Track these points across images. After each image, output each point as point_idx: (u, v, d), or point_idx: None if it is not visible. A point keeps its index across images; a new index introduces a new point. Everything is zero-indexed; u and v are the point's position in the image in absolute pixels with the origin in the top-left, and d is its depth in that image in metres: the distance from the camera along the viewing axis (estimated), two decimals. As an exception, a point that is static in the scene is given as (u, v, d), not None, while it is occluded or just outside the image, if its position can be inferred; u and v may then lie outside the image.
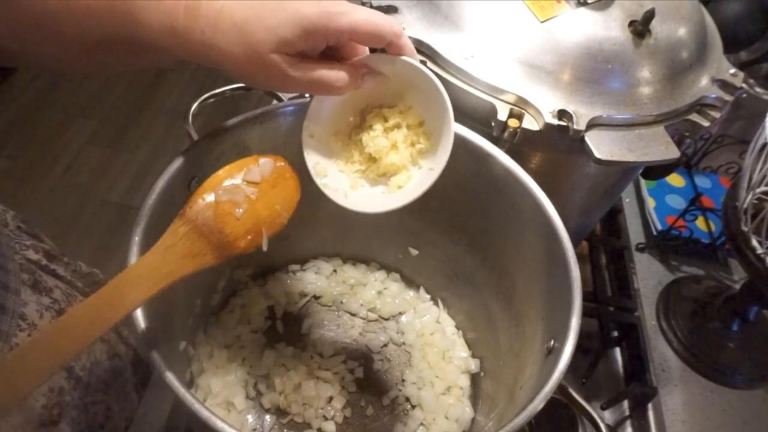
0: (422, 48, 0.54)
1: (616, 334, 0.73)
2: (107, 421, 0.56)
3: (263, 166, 0.44)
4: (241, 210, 0.42)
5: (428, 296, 0.69)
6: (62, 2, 0.39)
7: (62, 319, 0.35)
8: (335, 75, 0.40)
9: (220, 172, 0.43)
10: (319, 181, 0.46)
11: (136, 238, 0.41)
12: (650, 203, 0.87)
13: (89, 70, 0.52)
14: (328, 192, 0.46)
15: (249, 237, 0.42)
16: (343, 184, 0.47)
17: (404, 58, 0.42)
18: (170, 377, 0.37)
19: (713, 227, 0.85)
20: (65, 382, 0.51)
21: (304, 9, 0.37)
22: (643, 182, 0.90)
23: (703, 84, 0.57)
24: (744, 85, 0.58)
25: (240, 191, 0.42)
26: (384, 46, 0.41)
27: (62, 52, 0.43)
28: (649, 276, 0.80)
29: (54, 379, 0.50)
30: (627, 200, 0.90)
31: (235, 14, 0.37)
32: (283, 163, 0.45)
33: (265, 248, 0.43)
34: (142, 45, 0.39)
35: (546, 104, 0.51)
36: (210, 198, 0.41)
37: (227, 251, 0.41)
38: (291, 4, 0.37)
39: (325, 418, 0.58)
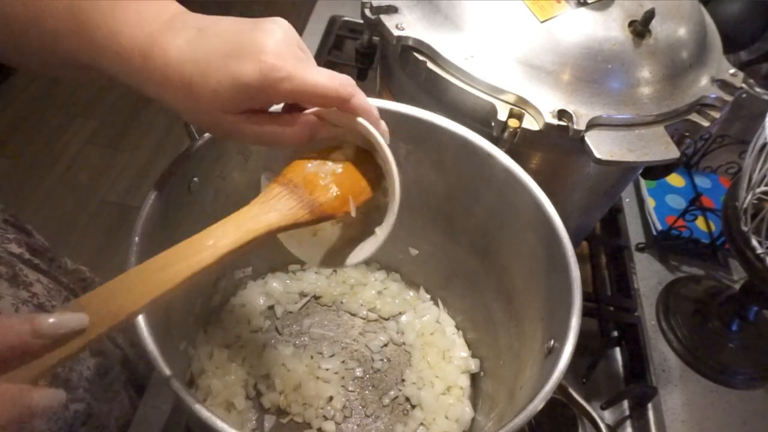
0: (422, 48, 0.54)
1: (616, 334, 0.73)
2: (90, 420, 0.55)
3: (349, 151, 0.44)
4: (327, 179, 0.42)
5: (428, 296, 0.69)
6: (31, 20, 0.39)
7: (154, 259, 0.34)
8: (287, 131, 0.39)
9: (305, 157, 0.43)
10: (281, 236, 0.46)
11: (136, 238, 0.41)
12: (650, 203, 0.87)
13: (64, 79, 0.52)
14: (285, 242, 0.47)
15: (337, 202, 0.42)
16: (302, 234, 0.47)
17: (358, 119, 0.40)
18: (170, 377, 0.37)
19: (713, 227, 0.85)
20: (41, 378, 0.50)
21: (244, 74, 0.35)
22: (643, 182, 0.90)
23: (703, 84, 0.57)
24: (744, 85, 0.58)
25: (326, 166, 0.42)
26: (337, 108, 0.40)
27: (33, 63, 0.43)
28: (649, 276, 0.80)
29: None
30: (627, 200, 0.90)
31: (182, 71, 0.37)
32: (361, 150, 0.45)
33: (353, 214, 0.43)
34: (108, 77, 0.40)
35: (546, 104, 0.51)
36: (300, 168, 0.42)
37: (318, 212, 0.41)
38: (233, 65, 0.36)
39: (325, 418, 0.58)
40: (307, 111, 0.41)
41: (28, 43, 0.40)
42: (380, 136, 0.40)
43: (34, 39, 0.40)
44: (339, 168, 0.42)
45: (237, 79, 0.36)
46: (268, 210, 0.39)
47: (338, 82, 0.38)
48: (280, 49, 0.36)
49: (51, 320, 0.28)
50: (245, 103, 0.37)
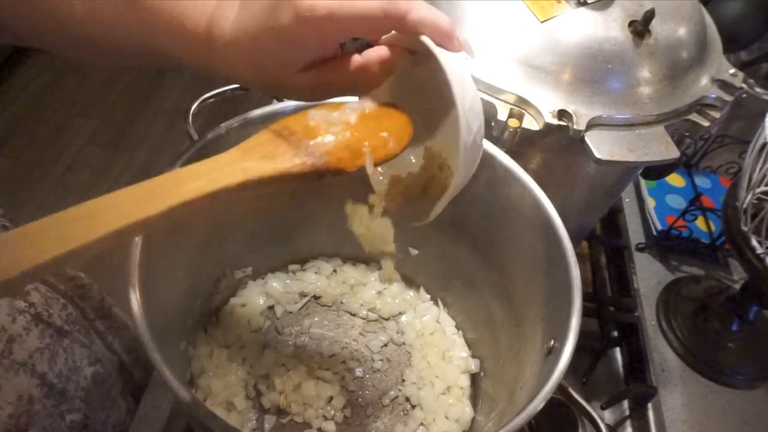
0: (422, 48, 0.54)
1: (616, 334, 0.73)
2: (86, 429, 0.55)
3: (363, 102, 0.37)
4: (337, 128, 0.35)
5: (428, 296, 0.69)
6: (89, 11, 0.38)
7: (107, 196, 0.30)
8: (358, 72, 0.36)
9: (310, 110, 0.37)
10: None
11: (136, 239, 0.41)
12: (650, 203, 0.87)
13: (111, 63, 0.51)
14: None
15: (346, 153, 0.34)
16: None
17: (421, 38, 0.34)
18: (170, 377, 0.37)
19: (713, 227, 0.85)
20: (36, 390, 0.49)
21: (284, 23, 0.33)
22: (643, 182, 0.90)
23: (703, 84, 0.57)
24: (744, 85, 0.58)
25: (334, 117, 0.36)
26: (396, 30, 0.36)
27: (85, 52, 0.43)
28: (649, 276, 0.80)
29: (23, 387, 0.48)
30: (627, 200, 0.90)
31: (238, 44, 0.36)
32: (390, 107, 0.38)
33: (369, 170, 0.35)
34: (171, 61, 0.40)
35: (546, 104, 0.51)
36: (302, 117, 0.36)
37: (319, 163, 0.33)
38: (273, 20, 0.34)
39: (325, 418, 0.58)
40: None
41: (83, 36, 0.40)
42: (443, 52, 0.33)
43: (91, 32, 0.39)
44: (353, 117, 0.36)
45: (281, 31, 0.34)
46: (248, 158, 0.32)
47: (385, 1, 0.33)
48: None
49: None
50: (300, 53, 0.35)
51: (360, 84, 0.37)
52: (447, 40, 0.35)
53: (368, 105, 0.37)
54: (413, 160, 0.43)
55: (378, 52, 0.37)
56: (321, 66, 0.37)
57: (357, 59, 0.37)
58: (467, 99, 0.33)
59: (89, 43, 0.41)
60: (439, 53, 0.33)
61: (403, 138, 0.37)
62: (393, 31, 0.36)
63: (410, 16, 0.34)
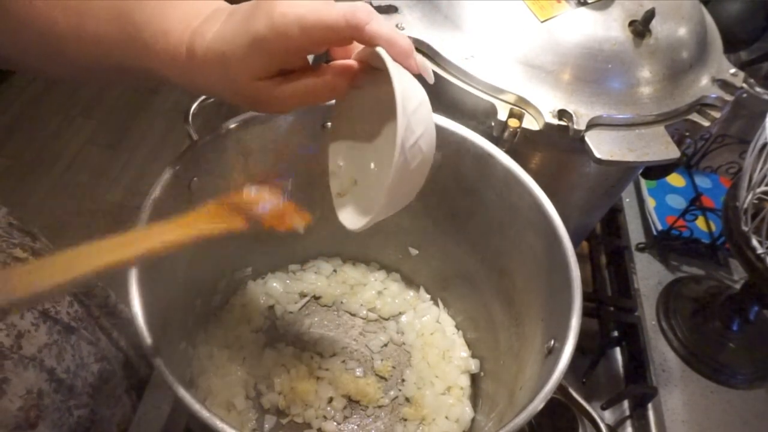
0: (422, 48, 0.54)
1: (616, 334, 0.73)
2: (93, 426, 0.55)
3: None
4: (272, 202, 0.43)
5: (428, 296, 0.69)
6: (72, 27, 0.39)
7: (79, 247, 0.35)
8: (319, 81, 0.38)
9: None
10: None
11: (136, 238, 0.41)
12: (650, 203, 0.87)
13: (88, 83, 0.53)
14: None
15: (281, 218, 0.43)
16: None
17: (376, 49, 0.36)
18: (170, 377, 0.37)
19: (713, 227, 0.85)
20: (45, 385, 0.50)
21: (259, 29, 0.35)
22: (643, 182, 0.90)
23: (704, 84, 0.57)
24: (744, 85, 0.58)
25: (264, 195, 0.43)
26: (355, 41, 0.38)
27: (64, 70, 0.43)
28: (649, 276, 0.80)
29: (32, 381, 0.49)
30: (627, 200, 0.90)
31: (215, 51, 0.37)
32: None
33: (301, 230, 0.44)
34: (150, 77, 0.40)
35: (546, 104, 0.51)
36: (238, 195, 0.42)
37: (257, 222, 0.42)
38: (250, 25, 0.35)
39: (325, 418, 0.58)
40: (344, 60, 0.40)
41: (65, 52, 0.40)
42: (398, 74, 0.35)
43: (73, 47, 0.40)
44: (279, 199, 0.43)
45: (253, 36, 0.35)
46: (201, 220, 0.40)
47: (347, 10, 0.35)
48: None
49: None
50: (270, 62, 0.37)
51: (326, 92, 0.39)
52: (403, 57, 0.37)
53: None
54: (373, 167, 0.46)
55: (343, 63, 0.39)
56: (289, 74, 0.38)
57: (323, 67, 0.39)
58: (410, 102, 0.35)
59: (70, 62, 0.41)
60: (389, 61, 0.35)
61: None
62: (358, 47, 0.39)
63: (368, 27, 0.35)
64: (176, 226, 0.39)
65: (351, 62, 0.39)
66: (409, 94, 0.35)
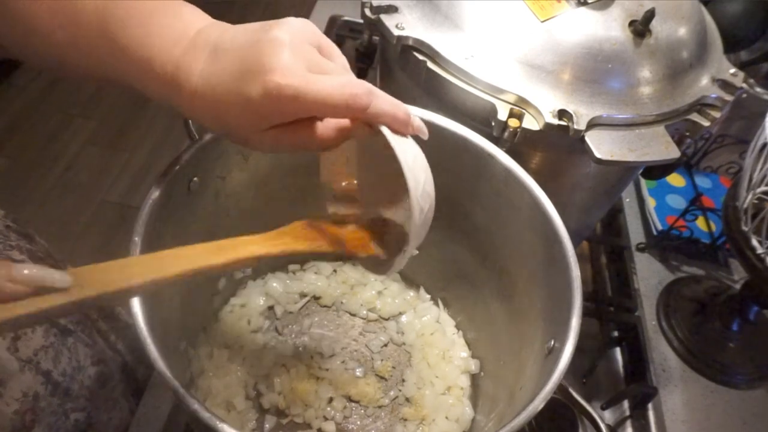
0: (422, 48, 0.54)
1: (616, 334, 0.73)
2: (90, 429, 0.55)
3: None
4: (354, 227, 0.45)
5: (428, 296, 0.69)
6: (69, 38, 0.39)
7: (166, 251, 0.35)
8: (316, 135, 0.38)
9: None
10: None
11: (136, 238, 0.41)
12: (650, 203, 0.87)
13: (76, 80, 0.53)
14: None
15: (364, 244, 0.44)
16: None
17: (381, 128, 0.37)
18: (170, 377, 0.37)
19: (713, 227, 0.85)
20: (41, 388, 0.49)
21: (253, 96, 0.35)
22: (643, 182, 0.90)
23: (704, 84, 0.57)
24: (744, 85, 0.58)
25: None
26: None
27: (72, 73, 0.43)
28: (649, 276, 0.80)
29: (28, 384, 0.49)
30: (627, 200, 0.90)
31: (204, 97, 0.37)
32: None
33: (382, 257, 0.44)
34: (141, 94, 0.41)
35: (546, 104, 0.51)
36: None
37: (341, 245, 0.43)
38: (242, 87, 0.35)
39: (325, 418, 0.58)
40: None
41: (69, 62, 0.41)
42: (399, 145, 0.37)
43: (74, 60, 0.40)
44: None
45: (247, 101, 0.35)
46: (285, 236, 0.41)
47: (348, 94, 0.35)
48: (287, 63, 0.34)
49: (26, 271, 0.28)
50: (264, 122, 0.37)
51: (317, 144, 0.39)
52: (403, 127, 0.38)
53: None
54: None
55: (338, 121, 0.39)
56: (282, 127, 0.38)
57: (317, 124, 0.38)
58: (419, 186, 0.37)
59: (75, 70, 0.42)
60: (396, 146, 0.37)
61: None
62: None
63: (370, 110, 0.36)
64: (265, 240, 0.40)
65: (345, 121, 0.39)
66: (417, 177, 0.37)
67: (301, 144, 0.38)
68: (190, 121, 0.52)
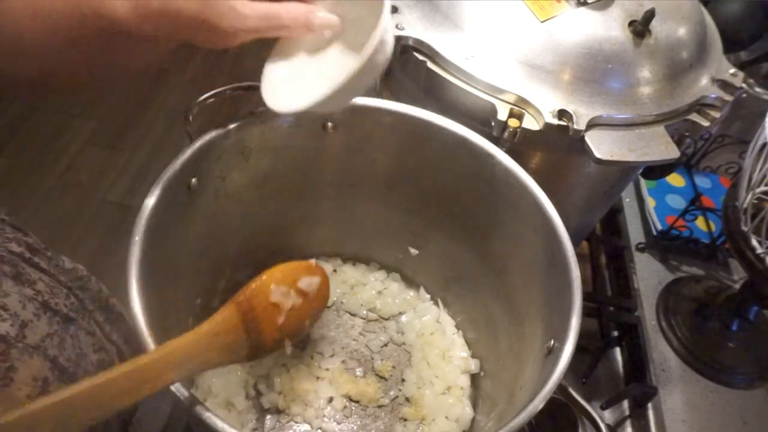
0: (422, 48, 0.54)
1: (616, 334, 0.73)
2: None
3: (314, 282, 0.45)
4: (282, 318, 0.43)
5: (428, 296, 0.69)
6: (29, 8, 0.39)
7: (92, 381, 0.34)
8: (284, 10, 0.39)
9: (278, 271, 0.44)
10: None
11: (136, 238, 0.41)
12: (650, 203, 0.87)
13: (46, 83, 0.53)
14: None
15: (276, 342, 0.44)
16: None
17: None
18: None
19: (713, 227, 0.85)
20: (49, 373, 0.50)
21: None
22: (643, 182, 0.90)
23: (703, 84, 0.57)
24: (744, 85, 0.58)
25: (289, 298, 0.44)
26: None
27: (22, 65, 0.44)
28: (649, 276, 0.80)
29: (38, 369, 0.49)
30: (627, 200, 0.90)
31: None
32: (321, 278, 0.47)
33: (288, 352, 0.46)
34: (112, 30, 0.40)
35: (546, 104, 0.51)
36: (266, 294, 0.42)
37: (256, 353, 0.43)
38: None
39: (325, 418, 0.58)
40: None
41: (22, 36, 0.41)
42: None
43: (28, 27, 0.40)
44: (297, 303, 0.44)
45: None
46: (213, 348, 0.39)
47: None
48: None
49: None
50: None
51: (277, 20, 0.40)
52: None
53: (314, 286, 0.45)
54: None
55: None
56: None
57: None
58: (388, 25, 0.39)
59: (27, 47, 0.42)
60: None
61: (319, 316, 0.49)
62: None
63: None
64: (189, 355, 0.38)
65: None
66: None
67: (265, 17, 0.40)
68: (190, 121, 0.52)
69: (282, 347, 0.44)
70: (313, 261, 0.46)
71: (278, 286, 0.43)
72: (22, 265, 0.55)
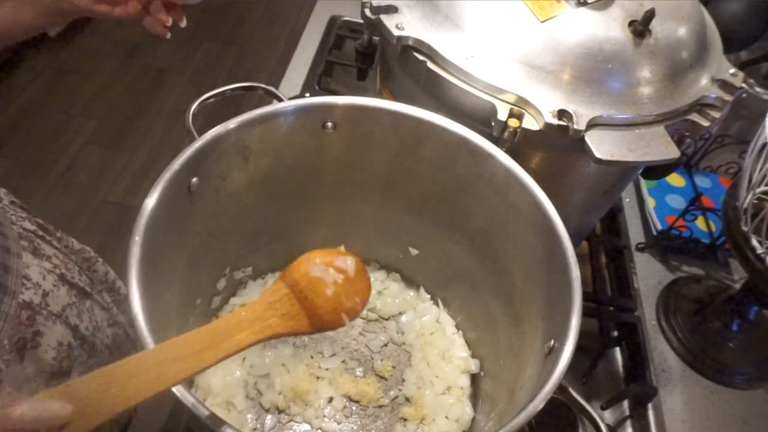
0: (422, 48, 0.54)
1: (616, 334, 0.73)
2: None
3: (350, 262, 0.47)
4: (330, 290, 0.45)
5: (428, 296, 0.69)
6: None
7: (165, 345, 0.36)
8: None
9: (312, 254, 0.46)
10: None
11: (137, 238, 0.41)
12: (650, 203, 0.87)
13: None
14: None
15: (334, 316, 0.45)
16: None
17: None
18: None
19: (713, 227, 0.85)
20: (72, 339, 0.53)
21: None
22: (643, 182, 0.90)
23: (703, 84, 0.57)
24: (744, 85, 0.58)
25: (329, 274, 0.45)
26: None
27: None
28: (649, 276, 0.80)
29: (61, 335, 0.52)
30: (627, 200, 0.90)
31: None
32: (355, 258, 0.48)
33: (346, 324, 0.46)
34: None
35: (546, 104, 0.51)
36: (306, 269, 0.45)
37: (317, 323, 0.44)
38: None
39: (325, 418, 0.58)
40: None
41: None
42: None
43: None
44: (340, 278, 0.46)
45: None
46: (272, 313, 0.42)
47: None
48: None
49: (19, 411, 0.28)
50: None
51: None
52: None
53: (352, 268, 0.46)
54: None
55: None
56: None
57: None
58: None
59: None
60: None
61: (366, 300, 0.48)
62: None
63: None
64: (251, 318, 0.40)
65: None
66: None
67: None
68: (190, 121, 0.52)
69: (342, 323, 0.46)
70: (342, 247, 0.48)
71: (315, 264, 0.45)
72: (38, 241, 0.57)
